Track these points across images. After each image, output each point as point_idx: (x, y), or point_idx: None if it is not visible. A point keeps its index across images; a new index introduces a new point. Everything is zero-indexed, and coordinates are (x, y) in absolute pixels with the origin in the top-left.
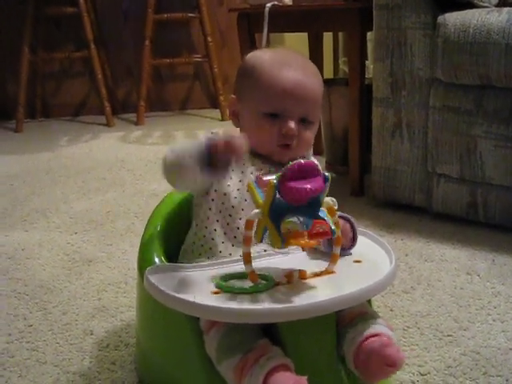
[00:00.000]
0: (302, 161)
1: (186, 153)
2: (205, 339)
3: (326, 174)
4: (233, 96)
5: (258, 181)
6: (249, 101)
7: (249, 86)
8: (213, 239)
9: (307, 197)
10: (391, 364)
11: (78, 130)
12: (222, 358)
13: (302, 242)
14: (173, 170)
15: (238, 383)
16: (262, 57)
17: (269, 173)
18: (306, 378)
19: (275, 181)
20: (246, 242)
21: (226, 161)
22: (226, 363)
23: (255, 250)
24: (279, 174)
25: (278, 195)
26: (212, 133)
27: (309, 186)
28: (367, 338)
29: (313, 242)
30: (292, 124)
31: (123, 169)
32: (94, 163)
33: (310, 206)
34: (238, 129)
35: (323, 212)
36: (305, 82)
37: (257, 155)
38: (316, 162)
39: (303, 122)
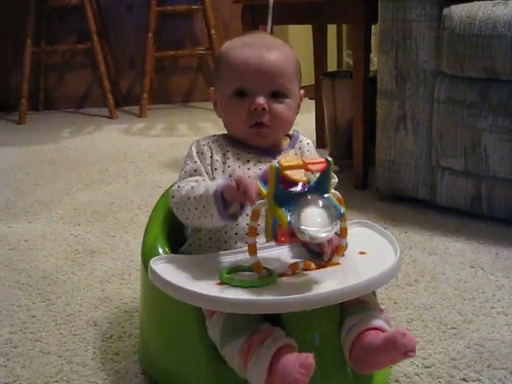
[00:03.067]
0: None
1: (200, 202)
2: (207, 324)
3: (329, 158)
4: (212, 88)
5: (264, 174)
6: (219, 86)
7: (219, 73)
8: (218, 239)
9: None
10: (410, 350)
11: (81, 122)
12: (226, 341)
13: (297, 176)
14: (184, 215)
15: (243, 365)
16: (229, 43)
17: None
18: (311, 354)
19: (276, 164)
20: (252, 232)
21: (240, 203)
22: (231, 346)
23: (260, 241)
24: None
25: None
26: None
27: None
28: (364, 331)
29: (305, 179)
30: (260, 99)
31: (126, 161)
32: (97, 155)
33: (316, 191)
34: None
35: (330, 198)
36: (268, 57)
37: (242, 147)
38: (320, 158)
39: (276, 96)
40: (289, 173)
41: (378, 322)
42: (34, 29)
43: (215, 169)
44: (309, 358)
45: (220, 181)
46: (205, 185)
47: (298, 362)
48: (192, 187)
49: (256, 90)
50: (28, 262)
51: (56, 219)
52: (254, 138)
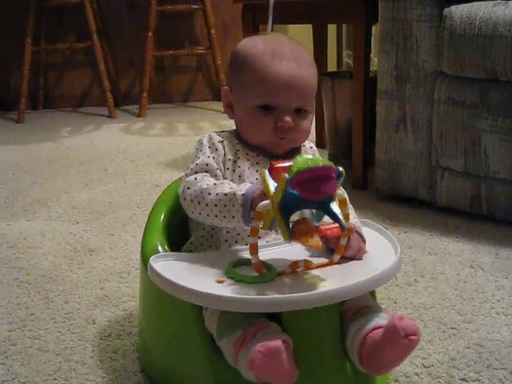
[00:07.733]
0: (321, 164)
1: (222, 201)
2: (204, 315)
3: (340, 169)
4: (225, 87)
5: (270, 167)
6: (241, 93)
7: (241, 78)
8: (218, 238)
9: (319, 199)
10: (412, 333)
11: (80, 121)
12: (223, 334)
13: (311, 242)
14: (197, 209)
15: (235, 357)
16: (253, 46)
17: (281, 161)
18: (280, 340)
19: (288, 176)
20: (253, 232)
21: None
22: (228, 339)
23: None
24: (293, 170)
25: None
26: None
27: (321, 193)
28: (370, 332)
29: (320, 245)
30: (288, 117)
31: (125, 160)
32: (96, 154)
33: (323, 201)
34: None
35: (335, 206)
36: (298, 73)
37: (252, 148)
38: (332, 166)
39: (299, 112)
40: (304, 239)
41: (381, 321)
42: (33, 27)
43: (227, 168)
44: (276, 341)
45: (248, 186)
46: (229, 184)
47: (264, 345)
48: (215, 183)
49: (283, 107)
50: (27, 260)
51: (55, 217)
52: (274, 147)
